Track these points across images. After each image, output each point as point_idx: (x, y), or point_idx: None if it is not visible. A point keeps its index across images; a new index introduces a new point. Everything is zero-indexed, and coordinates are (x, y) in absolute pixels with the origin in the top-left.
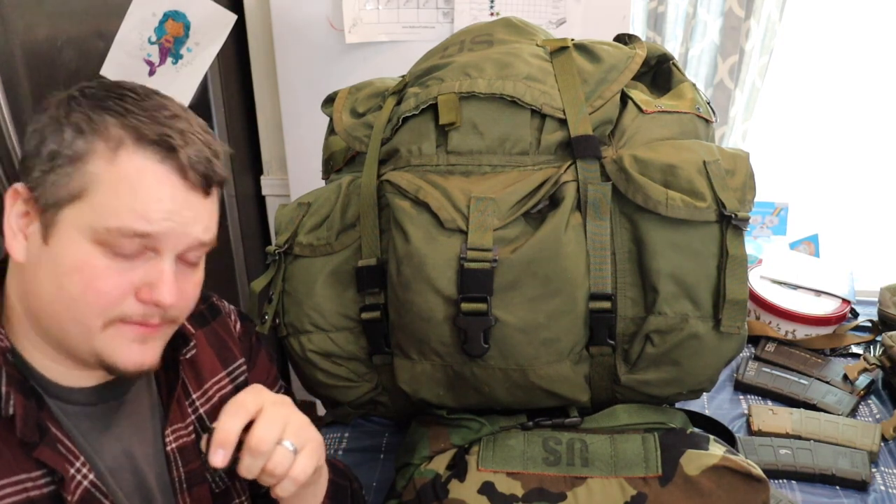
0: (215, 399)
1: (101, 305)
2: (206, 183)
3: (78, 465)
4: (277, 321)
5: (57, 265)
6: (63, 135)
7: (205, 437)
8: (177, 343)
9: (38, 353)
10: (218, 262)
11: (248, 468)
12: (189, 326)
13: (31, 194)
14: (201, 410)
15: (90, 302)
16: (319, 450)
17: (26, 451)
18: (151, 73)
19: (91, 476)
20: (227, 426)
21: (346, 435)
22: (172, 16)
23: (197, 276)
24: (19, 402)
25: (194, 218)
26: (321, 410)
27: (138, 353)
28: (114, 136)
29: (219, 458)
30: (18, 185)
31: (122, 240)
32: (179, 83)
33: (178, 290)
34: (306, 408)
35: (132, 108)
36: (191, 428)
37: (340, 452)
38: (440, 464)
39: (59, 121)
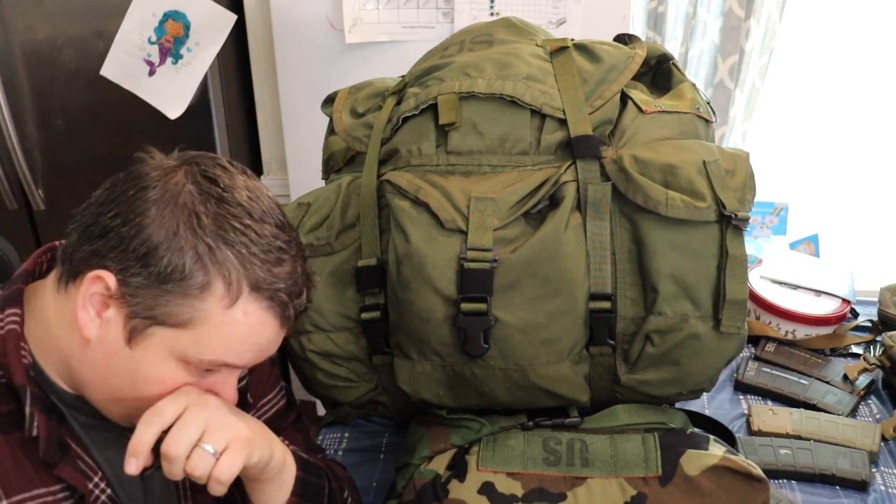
0: None
1: None
2: (296, 320)
3: (96, 479)
4: None
5: (138, 371)
6: (183, 259)
7: None
8: None
9: (58, 376)
10: None
11: (169, 472)
12: None
13: (120, 290)
14: None
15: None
16: (247, 447)
17: (47, 468)
18: (151, 73)
19: (108, 490)
20: (139, 436)
21: (346, 435)
22: (172, 16)
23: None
24: (42, 423)
25: (276, 346)
26: (321, 410)
27: None
28: (233, 280)
29: (132, 466)
30: (105, 274)
31: (209, 365)
32: (179, 83)
33: None
34: (306, 408)
35: (253, 249)
36: None
37: (340, 452)
38: (440, 464)
39: (178, 235)
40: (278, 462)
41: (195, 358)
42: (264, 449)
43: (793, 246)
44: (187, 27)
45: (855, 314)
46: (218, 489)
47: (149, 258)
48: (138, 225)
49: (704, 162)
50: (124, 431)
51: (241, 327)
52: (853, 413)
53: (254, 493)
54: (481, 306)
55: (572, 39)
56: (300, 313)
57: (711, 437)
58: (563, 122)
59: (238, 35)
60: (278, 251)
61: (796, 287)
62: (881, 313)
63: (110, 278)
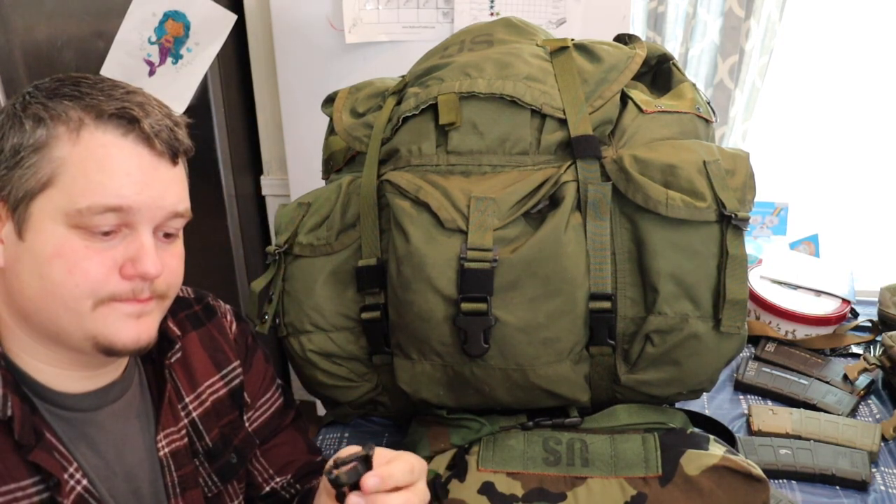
0: (208, 402)
1: (89, 286)
2: (172, 151)
3: (71, 470)
4: (277, 321)
5: (36, 256)
6: (23, 127)
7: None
8: (162, 346)
9: (29, 358)
10: (218, 262)
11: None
12: (175, 329)
13: None
14: (194, 414)
15: (78, 283)
16: None
17: (21, 456)
18: (151, 73)
19: (84, 482)
20: (398, 471)
21: (346, 435)
22: (172, 16)
23: (177, 249)
24: (16, 404)
25: (166, 188)
26: (321, 410)
27: (134, 328)
28: (74, 117)
29: (371, 483)
30: None
31: (95, 218)
32: (179, 83)
33: (161, 262)
34: (306, 408)
35: (88, 91)
36: (183, 432)
37: None
38: (440, 464)
39: (17, 115)
40: None
41: (73, 209)
42: None
43: (793, 246)
44: (187, 27)
45: (855, 314)
46: None
47: (1, 146)
48: None
49: (704, 162)
50: (100, 426)
51: (98, 156)
52: (853, 413)
53: None
54: (481, 306)
55: (572, 39)
56: (174, 140)
57: (711, 437)
58: (563, 122)
59: (238, 35)
60: (121, 88)
61: (796, 287)
62: (881, 313)
63: None
